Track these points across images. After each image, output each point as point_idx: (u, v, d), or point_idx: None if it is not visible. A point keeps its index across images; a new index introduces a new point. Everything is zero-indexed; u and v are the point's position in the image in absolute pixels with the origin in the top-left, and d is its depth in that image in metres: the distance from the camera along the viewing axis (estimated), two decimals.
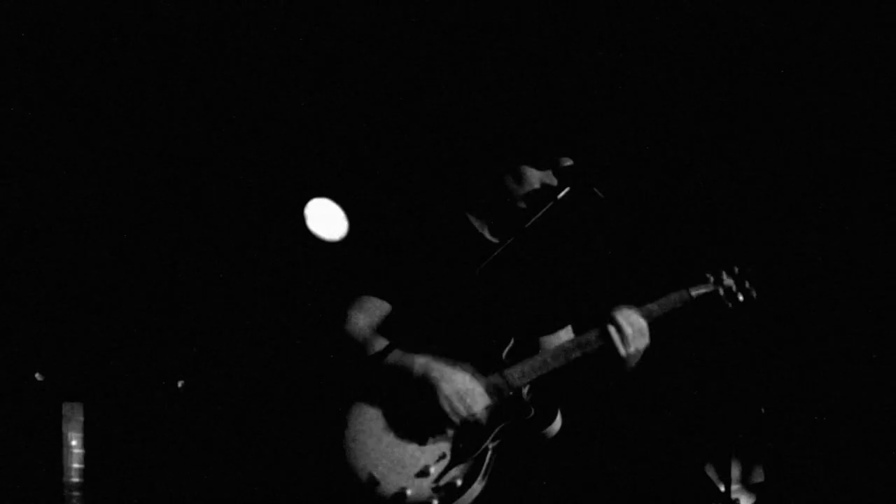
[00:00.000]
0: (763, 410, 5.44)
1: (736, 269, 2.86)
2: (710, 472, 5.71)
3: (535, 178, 2.79)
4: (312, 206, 5.10)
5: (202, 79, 4.47)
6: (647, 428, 5.27)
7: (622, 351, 2.64)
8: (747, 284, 2.85)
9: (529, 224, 2.76)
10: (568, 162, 2.79)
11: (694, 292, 2.81)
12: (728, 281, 2.85)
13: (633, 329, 2.64)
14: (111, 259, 4.93)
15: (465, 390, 2.60)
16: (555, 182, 2.78)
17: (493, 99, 4.47)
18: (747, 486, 5.76)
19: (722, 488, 5.71)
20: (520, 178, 2.80)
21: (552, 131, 2.83)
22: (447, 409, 2.57)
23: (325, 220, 5.11)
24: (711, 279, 2.85)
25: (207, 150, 4.82)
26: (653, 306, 2.74)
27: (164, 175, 4.85)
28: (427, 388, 2.59)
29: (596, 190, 2.76)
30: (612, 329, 2.64)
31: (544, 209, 2.74)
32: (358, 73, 4.56)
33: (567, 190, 2.73)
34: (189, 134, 4.73)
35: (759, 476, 5.74)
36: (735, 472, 5.72)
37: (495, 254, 2.72)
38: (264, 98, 4.65)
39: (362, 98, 4.71)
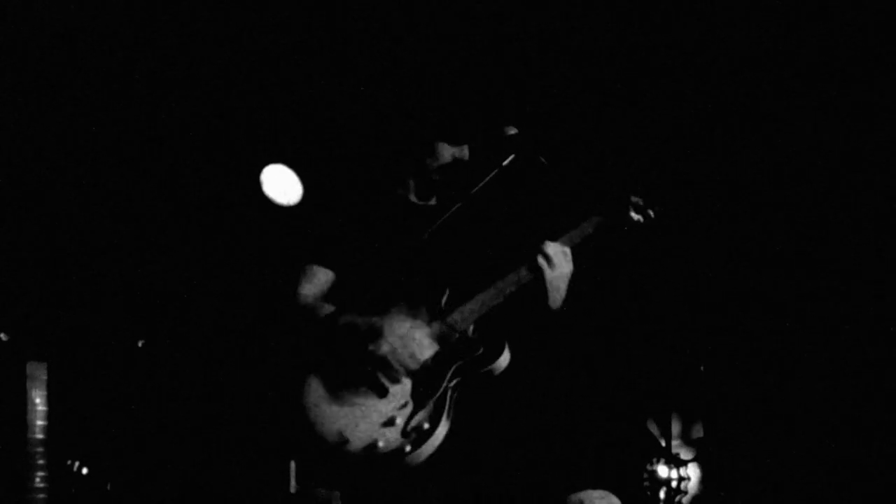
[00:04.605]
0: (701, 368, 5.64)
1: (641, 188, 3.06)
2: (652, 429, 5.91)
3: (447, 153, 2.97)
4: (268, 172, 5.24)
5: (163, 46, 4.55)
6: (588, 387, 5.44)
7: (548, 273, 2.81)
8: (654, 200, 3.06)
9: (476, 189, 2.91)
10: (513, 130, 2.93)
11: (606, 215, 3.00)
12: (635, 199, 3.04)
13: (555, 255, 2.83)
14: (73, 222, 5.03)
15: (408, 337, 2.72)
16: (467, 156, 2.97)
17: (428, 71, 4.62)
18: (688, 441, 5.97)
19: (663, 443, 5.93)
20: (434, 154, 2.97)
21: (489, 104, 3.01)
22: (392, 358, 2.69)
23: (281, 185, 5.25)
24: (621, 201, 3.03)
25: (166, 118, 4.92)
26: (572, 234, 2.92)
27: (124, 141, 4.95)
28: (374, 343, 2.70)
29: (541, 157, 2.91)
30: (539, 257, 2.82)
31: (489, 176, 2.89)
32: (312, 44, 4.68)
33: (512, 158, 2.89)
34: (148, 101, 4.82)
35: (698, 432, 5.95)
36: (675, 428, 5.93)
37: (441, 220, 2.87)
38: (222, 67, 4.76)
39: (316, 68, 4.83)
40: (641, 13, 4.39)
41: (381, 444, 2.63)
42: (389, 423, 2.66)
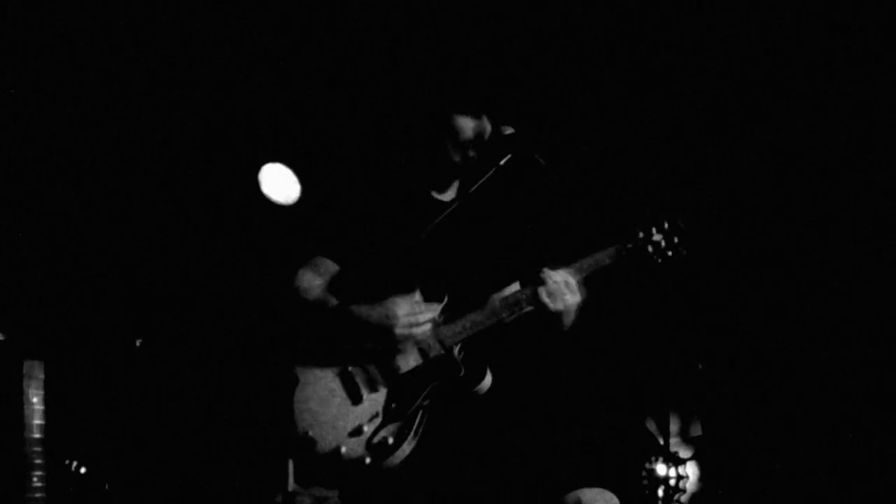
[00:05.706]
0: (700, 366, 5.64)
1: (666, 225, 2.93)
2: (651, 427, 5.92)
3: (469, 127, 2.84)
4: (266, 171, 5.23)
5: (163, 46, 4.55)
6: (587, 384, 5.43)
7: (551, 307, 2.71)
8: (676, 240, 2.93)
9: (473, 189, 2.86)
10: (509, 130, 2.85)
11: (623, 248, 2.90)
12: (657, 237, 2.92)
13: (560, 286, 2.71)
14: (71, 221, 5.02)
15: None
16: (488, 130, 2.85)
17: (432, 56, 4.60)
18: (686, 439, 5.98)
19: (662, 442, 5.93)
20: (452, 130, 2.85)
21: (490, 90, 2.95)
22: (374, 366, 2.69)
23: (279, 184, 5.24)
24: (641, 235, 2.92)
25: (165, 117, 4.91)
26: (583, 263, 2.81)
27: (124, 140, 4.94)
28: (360, 346, 2.71)
29: (537, 157, 2.86)
30: (539, 288, 2.72)
31: (487, 175, 2.83)
32: (312, 44, 4.67)
33: (509, 157, 2.81)
34: (148, 101, 4.81)
35: (696, 430, 5.96)
36: (674, 426, 5.93)
37: (439, 219, 2.81)
38: (222, 66, 4.75)
39: (316, 68, 4.82)
40: (641, 13, 4.39)
41: (343, 451, 2.63)
42: (356, 432, 2.65)
